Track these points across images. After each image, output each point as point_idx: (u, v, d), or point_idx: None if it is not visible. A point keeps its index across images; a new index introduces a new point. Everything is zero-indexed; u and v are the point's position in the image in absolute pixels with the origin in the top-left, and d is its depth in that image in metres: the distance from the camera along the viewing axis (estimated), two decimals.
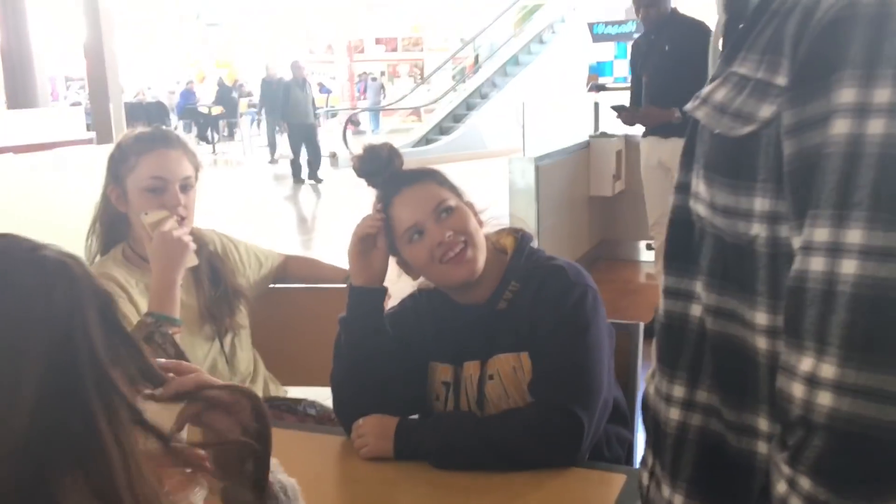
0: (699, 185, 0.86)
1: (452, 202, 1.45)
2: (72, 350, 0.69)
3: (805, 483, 0.72)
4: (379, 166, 1.48)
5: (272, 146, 14.00)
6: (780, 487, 0.75)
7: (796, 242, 0.76)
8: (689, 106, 0.87)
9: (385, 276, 1.52)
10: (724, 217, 0.82)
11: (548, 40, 15.16)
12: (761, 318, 0.81)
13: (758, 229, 0.80)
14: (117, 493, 0.69)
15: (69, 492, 0.68)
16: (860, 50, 0.71)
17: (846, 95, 0.72)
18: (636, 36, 6.10)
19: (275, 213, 9.61)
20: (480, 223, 1.49)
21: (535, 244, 1.56)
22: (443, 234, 1.41)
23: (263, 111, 14.31)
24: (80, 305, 0.71)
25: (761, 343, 0.81)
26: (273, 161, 13.81)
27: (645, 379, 1.01)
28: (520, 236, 1.53)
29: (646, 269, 5.81)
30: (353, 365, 1.49)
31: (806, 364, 0.73)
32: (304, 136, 11.57)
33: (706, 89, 0.85)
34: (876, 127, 0.70)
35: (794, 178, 0.76)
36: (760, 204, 0.79)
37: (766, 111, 0.78)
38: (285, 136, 12.27)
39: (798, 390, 0.73)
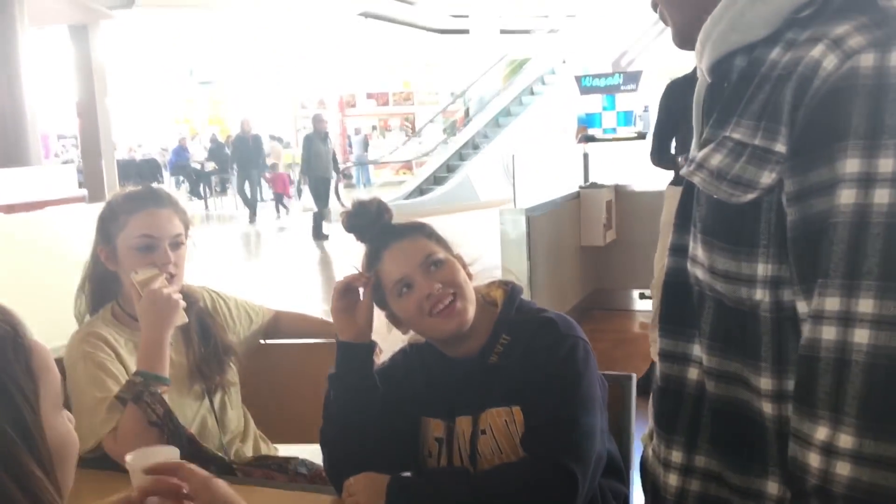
0: (697, 249, 0.86)
1: (441, 255, 1.45)
2: None
3: None
4: (368, 221, 1.49)
5: (247, 203, 14.15)
6: None
7: (801, 307, 0.77)
8: (684, 170, 0.88)
9: (372, 331, 1.51)
10: (725, 282, 0.82)
11: (538, 92, 15.39)
12: (766, 383, 0.81)
13: (761, 294, 0.80)
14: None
15: None
16: (862, 121, 0.72)
17: (851, 165, 0.73)
18: (624, 88, 6.17)
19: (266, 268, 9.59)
20: (469, 276, 1.49)
21: (526, 295, 1.56)
22: (431, 286, 1.41)
23: (235, 168, 14.52)
24: None
25: (768, 408, 0.81)
26: (253, 222, 13.93)
27: (642, 439, 1.00)
28: (509, 289, 1.53)
29: (639, 319, 5.81)
30: (342, 422, 1.47)
31: (821, 433, 0.73)
32: (326, 190, 11.59)
33: (700, 154, 0.85)
34: (882, 197, 0.71)
35: (799, 245, 0.76)
36: (763, 269, 0.80)
37: (766, 178, 0.79)
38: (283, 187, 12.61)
39: (814, 460, 0.73)
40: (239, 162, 14.12)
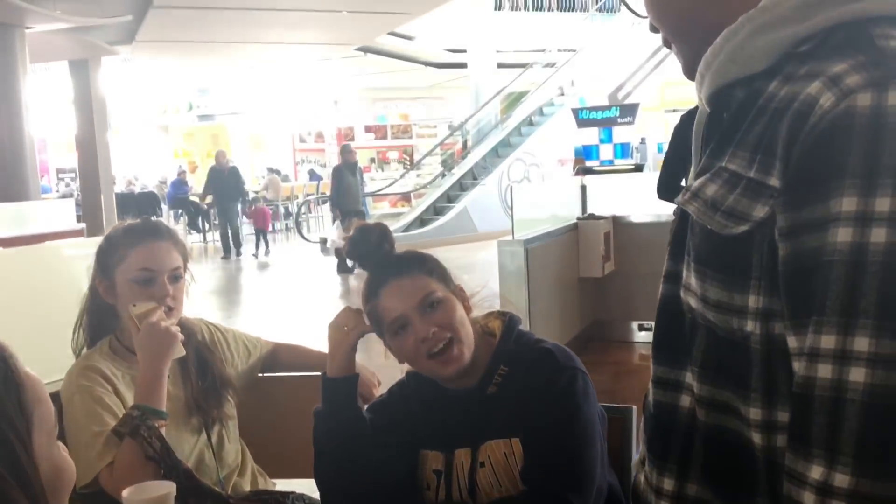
0: (690, 278, 0.86)
1: (440, 293, 1.44)
2: None
3: None
4: (369, 249, 1.48)
5: (224, 240, 13.44)
6: None
7: (791, 342, 0.77)
8: (679, 199, 0.88)
9: (354, 366, 1.50)
10: (716, 312, 0.83)
11: (538, 122, 15.51)
12: (756, 413, 0.81)
13: (752, 326, 0.80)
14: None
15: None
16: (859, 160, 0.73)
17: (847, 204, 0.73)
18: (621, 121, 6.23)
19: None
20: (468, 309, 1.49)
21: (525, 326, 1.55)
22: (427, 330, 1.40)
23: (213, 202, 13.93)
24: None
25: (757, 438, 0.81)
26: (226, 258, 13.30)
27: (633, 465, 1.00)
28: (507, 319, 1.52)
29: (639, 350, 5.79)
30: (333, 456, 1.46)
31: (816, 472, 0.73)
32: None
33: (696, 183, 0.85)
34: (878, 236, 0.72)
35: (790, 280, 0.76)
36: (754, 301, 0.80)
37: (759, 211, 0.79)
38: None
39: (809, 499, 0.73)
40: (215, 196, 13.52)
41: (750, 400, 0.81)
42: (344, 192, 10.90)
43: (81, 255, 1.94)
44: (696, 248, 0.85)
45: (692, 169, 0.89)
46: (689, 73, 0.91)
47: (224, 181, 13.21)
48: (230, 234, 13.37)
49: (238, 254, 13.45)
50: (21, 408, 0.73)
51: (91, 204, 6.49)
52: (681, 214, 0.90)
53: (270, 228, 14.99)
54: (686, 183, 0.90)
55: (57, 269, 2.36)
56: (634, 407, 1.68)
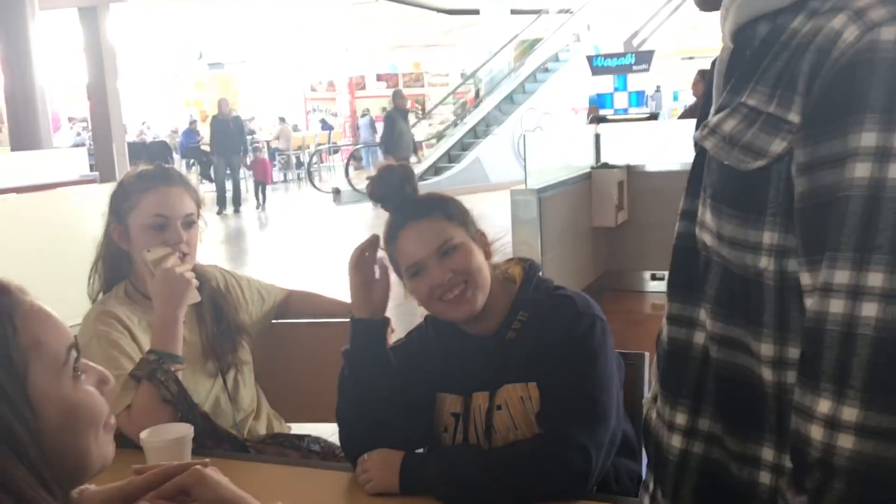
0: (706, 214, 0.85)
1: (457, 239, 1.44)
2: None
3: None
4: (391, 191, 1.47)
5: (221, 194, 12.45)
6: None
7: (804, 279, 0.76)
8: (696, 135, 0.87)
9: (386, 308, 1.51)
10: (731, 248, 0.82)
11: (552, 70, 15.30)
12: (767, 349, 0.81)
13: (766, 262, 0.80)
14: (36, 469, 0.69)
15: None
16: (880, 94, 0.72)
17: (866, 139, 0.72)
18: (636, 68, 6.14)
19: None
20: (489, 255, 1.49)
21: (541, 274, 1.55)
22: (444, 275, 1.41)
23: (212, 152, 12.81)
24: None
25: (767, 374, 0.81)
26: (222, 213, 12.23)
27: (645, 402, 1.00)
28: (528, 266, 1.53)
29: (651, 300, 5.80)
30: (357, 398, 1.48)
31: (824, 406, 0.73)
32: None
33: (714, 119, 0.85)
34: None
35: (805, 216, 0.76)
36: (769, 237, 0.79)
37: (777, 146, 0.78)
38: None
39: (816, 433, 0.73)
40: (217, 147, 12.43)
41: (762, 336, 0.81)
42: (397, 139, 10.59)
43: (95, 201, 1.94)
44: (712, 185, 0.85)
45: (713, 106, 0.88)
46: (703, 2, 0.90)
47: (227, 132, 12.36)
48: (232, 189, 12.59)
49: (237, 211, 12.54)
50: (17, 351, 0.73)
51: (103, 153, 6.49)
52: (699, 151, 0.89)
53: (273, 180, 14.56)
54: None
55: (72, 215, 2.37)
56: (647, 353, 1.69)
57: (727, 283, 0.84)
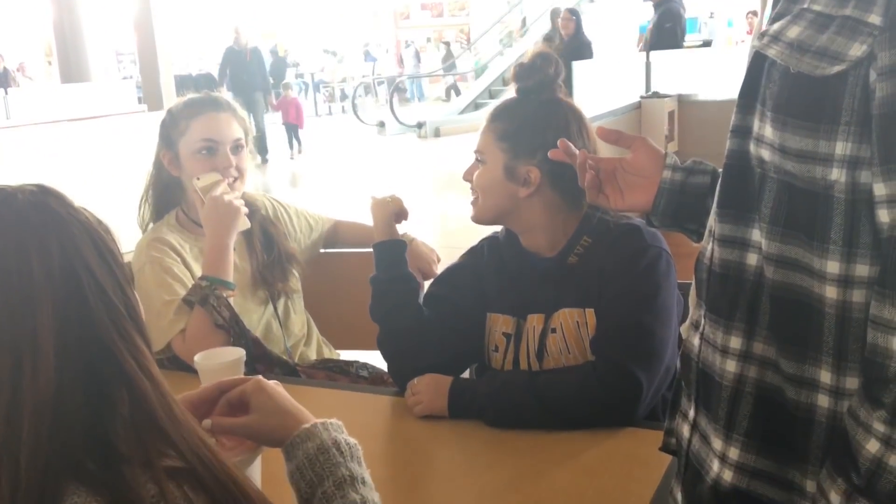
0: (765, 129, 0.82)
1: (487, 155, 1.46)
2: (79, 294, 0.70)
3: None
4: (534, 84, 1.46)
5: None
6: (873, 447, 0.73)
7: (878, 189, 0.73)
8: (756, 43, 0.83)
9: (395, 233, 1.59)
10: (797, 161, 0.78)
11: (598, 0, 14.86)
12: (833, 266, 0.78)
13: (837, 174, 0.76)
14: (159, 424, 0.71)
15: (123, 435, 0.69)
16: None
17: None
18: None
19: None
20: (522, 191, 1.44)
21: None
22: (468, 175, 1.50)
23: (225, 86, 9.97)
24: (76, 247, 0.71)
25: (831, 293, 0.78)
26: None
27: (683, 329, 0.98)
28: None
29: None
30: (390, 319, 1.52)
31: None
32: None
33: (774, 26, 0.80)
34: None
35: (886, 122, 0.72)
36: (842, 148, 0.75)
37: (857, 50, 0.74)
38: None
39: None
40: (233, 83, 10.24)
41: (828, 253, 0.78)
42: None
43: (145, 130, 1.95)
44: (774, 97, 0.80)
45: (763, 17, 0.83)
46: None
47: (244, 65, 10.36)
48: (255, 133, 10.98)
49: (264, 160, 10.66)
50: (118, 249, 0.77)
51: (151, 85, 6.52)
52: (753, 64, 0.84)
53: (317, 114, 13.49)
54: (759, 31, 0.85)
55: (122, 144, 2.39)
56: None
57: (787, 200, 0.81)
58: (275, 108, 11.58)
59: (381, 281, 1.55)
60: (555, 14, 9.67)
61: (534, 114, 1.44)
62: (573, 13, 8.82)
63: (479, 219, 1.51)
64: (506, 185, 1.44)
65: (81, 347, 0.70)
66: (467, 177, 1.50)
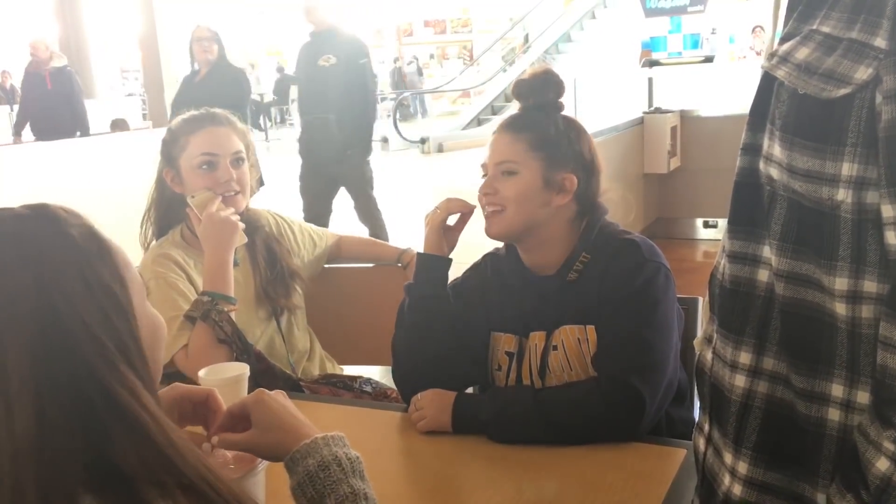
0: (773, 147, 0.82)
1: (520, 167, 1.43)
2: (59, 330, 0.66)
3: None
4: (540, 100, 1.48)
5: None
6: (882, 465, 0.74)
7: (886, 211, 0.74)
8: (765, 63, 0.83)
9: (453, 251, 1.55)
10: (804, 181, 0.79)
11: (600, 16, 14.94)
12: (842, 283, 0.78)
13: (843, 195, 0.77)
14: (162, 452, 0.69)
15: (127, 461, 0.68)
16: None
17: None
18: (691, 10, 5.96)
19: None
20: (558, 201, 1.44)
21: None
22: (485, 190, 1.46)
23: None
24: (56, 280, 0.68)
25: (841, 309, 0.79)
26: None
27: (696, 343, 0.98)
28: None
29: (703, 248, 5.71)
30: (414, 331, 1.51)
31: None
32: None
33: (784, 47, 0.81)
34: None
35: (892, 144, 0.73)
36: (848, 169, 0.76)
37: (862, 73, 0.75)
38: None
39: None
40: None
41: (836, 270, 0.78)
42: None
43: (148, 148, 1.96)
44: (783, 117, 0.81)
45: (774, 36, 0.84)
46: None
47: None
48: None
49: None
50: (117, 273, 0.74)
51: (155, 101, 6.57)
52: (763, 83, 0.85)
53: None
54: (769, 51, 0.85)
55: (125, 161, 2.40)
56: (701, 298, 1.66)
57: (795, 218, 0.81)
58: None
59: (416, 296, 1.53)
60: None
61: (557, 124, 1.46)
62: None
63: (503, 233, 1.47)
64: (543, 193, 1.44)
65: (68, 386, 0.66)
66: (490, 190, 1.45)
